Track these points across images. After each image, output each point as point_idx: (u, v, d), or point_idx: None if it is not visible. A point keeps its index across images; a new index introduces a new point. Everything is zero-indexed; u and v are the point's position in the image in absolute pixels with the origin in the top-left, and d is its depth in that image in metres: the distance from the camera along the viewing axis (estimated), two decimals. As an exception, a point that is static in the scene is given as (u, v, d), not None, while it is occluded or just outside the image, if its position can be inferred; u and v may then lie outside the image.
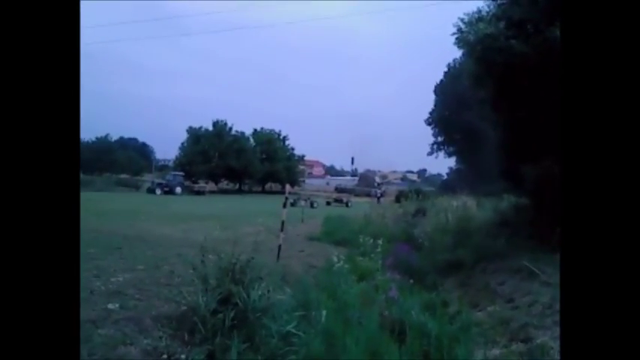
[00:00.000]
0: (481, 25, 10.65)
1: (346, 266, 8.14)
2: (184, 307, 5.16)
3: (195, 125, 57.21)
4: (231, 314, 4.66)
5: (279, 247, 9.83)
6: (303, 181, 66.50)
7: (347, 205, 40.77)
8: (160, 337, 4.55)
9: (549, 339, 5.08)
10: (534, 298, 6.61)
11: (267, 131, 62.64)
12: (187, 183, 48.27)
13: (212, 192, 50.93)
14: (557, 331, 5.22)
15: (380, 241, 10.28)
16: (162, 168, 67.19)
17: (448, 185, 40.25)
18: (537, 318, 5.87)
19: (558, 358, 4.60)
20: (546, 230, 9.84)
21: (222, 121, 58.18)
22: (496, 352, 5.21)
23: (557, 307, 5.89)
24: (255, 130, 62.30)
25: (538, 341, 5.14)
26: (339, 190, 59.54)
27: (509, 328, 5.91)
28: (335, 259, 8.18)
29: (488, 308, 7.14)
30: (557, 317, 5.63)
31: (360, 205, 31.91)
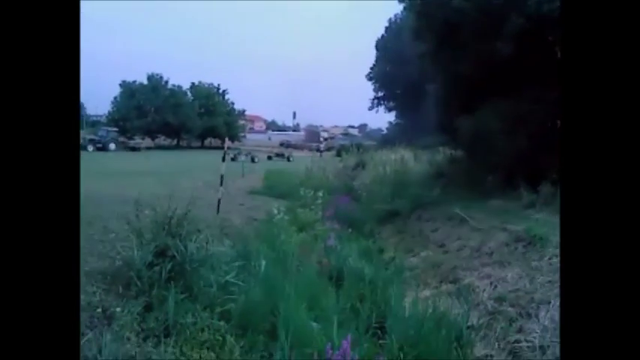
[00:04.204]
0: (421, -21, 10.66)
1: (286, 218, 8.20)
2: (119, 262, 5.01)
3: (129, 79, 54.25)
4: (168, 266, 4.58)
5: (219, 200, 9.71)
6: (244, 136, 65.09)
7: (288, 160, 40.76)
8: (94, 292, 4.42)
9: (475, 279, 5.43)
10: (464, 243, 7.00)
11: (206, 85, 60.12)
12: (122, 139, 46.00)
13: (148, 148, 48.86)
14: (484, 271, 5.59)
15: (320, 194, 10.41)
16: (94, 124, 63.15)
17: (388, 139, 40.94)
18: (465, 261, 6.24)
19: (483, 295, 4.94)
20: (478, 179, 10.37)
21: (157, 74, 55.32)
22: (427, 292, 5.51)
23: (485, 249, 6.29)
24: (193, 83, 59.54)
25: (465, 282, 5.48)
26: (285, 145, 59.22)
27: (440, 270, 6.26)
28: (275, 210, 8.20)
29: (422, 253, 7.50)
30: (484, 259, 6.02)
31: (302, 160, 31.93)
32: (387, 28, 50.26)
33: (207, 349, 4.00)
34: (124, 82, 53.65)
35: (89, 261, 5.21)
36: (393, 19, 48.17)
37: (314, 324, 4.35)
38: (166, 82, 55.70)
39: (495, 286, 5.03)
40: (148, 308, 4.34)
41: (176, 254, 4.75)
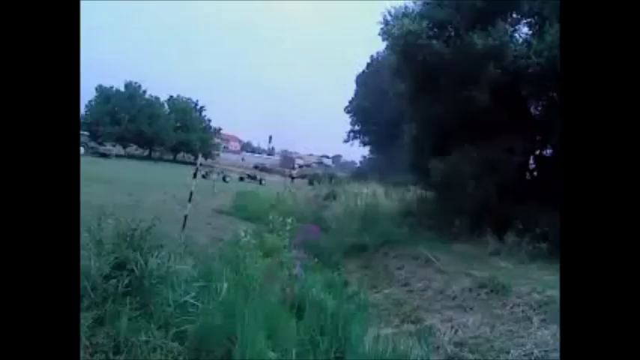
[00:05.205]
0: (405, 21, 10.99)
1: (253, 241, 8.01)
2: (75, 271, 4.79)
3: (106, 85, 53.49)
4: (126, 280, 4.39)
5: (185, 217, 9.50)
6: (218, 154, 64.45)
7: (260, 183, 40.45)
8: (43, 303, 4.19)
9: (437, 321, 5.43)
10: (427, 284, 7.03)
11: (184, 99, 59.68)
12: (92, 144, 44.91)
13: (119, 156, 47.73)
14: (446, 314, 5.60)
15: (289, 220, 10.28)
16: (66, 126, 61.81)
17: (360, 173, 41.32)
18: (428, 302, 6.25)
19: (444, 339, 4.93)
20: (446, 222, 10.51)
21: (135, 83, 54.77)
22: (388, 331, 5.46)
23: (448, 292, 6.32)
24: (171, 96, 59.17)
25: (427, 323, 5.47)
26: (259, 168, 58.94)
27: (403, 309, 6.25)
28: (242, 233, 8.02)
29: (385, 290, 7.48)
30: (447, 302, 6.04)
31: (274, 184, 31.83)
32: (368, 64, 51.33)
33: (158, 370, 3.83)
34: (100, 86, 52.74)
35: (43, 267, 4.97)
36: (375, 57, 49.24)
37: (271, 354, 4.24)
38: (144, 91, 55.11)
39: (456, 331, 5.04)
40: (100, 322, 4.13)
41: (135, 268, 4.57)
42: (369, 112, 49.38)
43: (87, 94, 52.60)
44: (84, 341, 3.83)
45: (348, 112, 54.76)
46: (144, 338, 4.04)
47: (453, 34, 10.73)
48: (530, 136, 10.91)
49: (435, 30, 10.72)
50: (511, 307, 5.25)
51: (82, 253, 4.93)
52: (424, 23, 10.69)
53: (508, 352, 4.21)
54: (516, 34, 10.71)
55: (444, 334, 5.05)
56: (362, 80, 52.11)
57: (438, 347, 4.75)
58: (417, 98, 12.44)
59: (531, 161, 11.67)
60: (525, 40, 10.41)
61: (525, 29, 10.98)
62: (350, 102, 54.25)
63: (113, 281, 4.39)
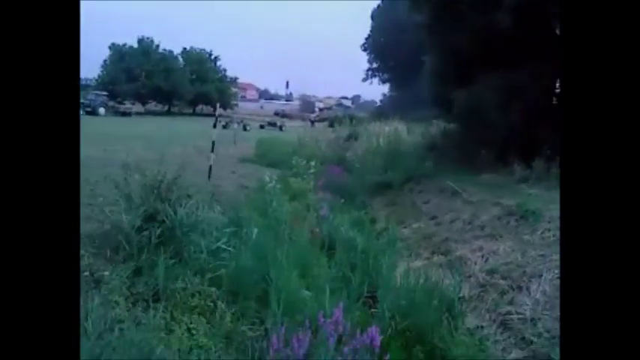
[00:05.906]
0: (421, -55, 10.39)
1: (278, 186, 8.10)
2: (107, 226, 4.90)
3: (119, 42, 52.98)
4: (158, 231, 4.48)
5: (210, 167, 9.60)
6: (236, 104, 64.20)
7: (281, 129, 40.49)
8: (82, 256, 4.34)
9: (467, 251, 5.44)
10: (456, 215, 7.00)
11: (197, 51, 58.87)
12: (112, 104, 45.06)
13: (139, 113, 47.85)
14: (475, 243, 5.59)
15: (313, 163, 10.31)
16: (83, 88, 61.92)
17: (381, 112, 40.49)
18: (457, 233, 6.25)
19: (475, 268, 4.95)
20: (471, 153, 10.34)
21: (148, 38, 53.92)
22: (418, 263, 5.52)
23: (477, 222, 6.29)
24: (185, 49, 58.35)
25: (457, 253, 5.49)
26: (279, 114, 58.84)
27: (432, 242, 6.28)
28: (267, 179, 8.09)
29: (414, 225, 7.51)
30: (476, 232, 6.02)
31: (295, 130, 31.71)
32: (383, -3, 49.31)
33: (198, 314, 3.95)
34: (113, 44, 52.33)
35: (77, 224, 5.10)
36: (390, -12, 47.20)
37: (306, 292, 4.34)
38: (157, 46, 54.48)
39: (487, 259, 5.05)
40: (137, 273, 4.26)
41: (166, 219, 4.65)
42: (386, 47, 47.91)
43: (101, 53, 52.44)
44: (124, 291, 3.99)
45: (365, 50, 53.22)
46: (181, 285, 4.18)
47: (472, -44, 10.10)
48: (557, 58, 10.40)
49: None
50: (541, 233, 5.20)
51: (113, 208, 5.08)
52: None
53: (541, 276, 4.19)
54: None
55: (475, 262, 5.07)
56: (377, 15, 50.18)
57: (470, 276, 4.78)
58: (436, 27, 11.93)
59: (558, 84, 11.21)
60: (551, -46, 9.72)
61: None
62: (366, 39, 52.57)
63: (146, 233, 4.50)
